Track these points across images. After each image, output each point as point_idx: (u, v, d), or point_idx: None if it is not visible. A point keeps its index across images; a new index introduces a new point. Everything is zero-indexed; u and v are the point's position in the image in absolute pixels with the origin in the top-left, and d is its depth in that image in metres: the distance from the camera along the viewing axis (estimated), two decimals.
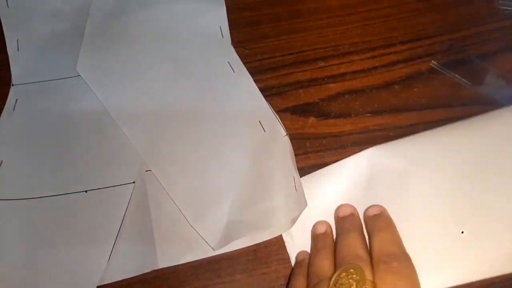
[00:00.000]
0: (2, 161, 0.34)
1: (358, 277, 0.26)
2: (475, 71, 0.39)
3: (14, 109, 0.36)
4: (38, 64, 0.38)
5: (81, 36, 0.38)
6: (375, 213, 0.32)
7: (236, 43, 0.40)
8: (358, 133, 0.37)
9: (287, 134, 0.36)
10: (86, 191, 0.34)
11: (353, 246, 0.30)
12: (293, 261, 0.33)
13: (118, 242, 0.32)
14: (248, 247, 0.33)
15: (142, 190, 0.34)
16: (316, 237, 0.33)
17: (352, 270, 0.27)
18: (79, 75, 0.37)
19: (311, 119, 0.38)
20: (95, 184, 0.34)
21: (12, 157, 0.34)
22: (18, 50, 0.38)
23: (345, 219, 0.32)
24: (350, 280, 0.26)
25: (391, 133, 0.37)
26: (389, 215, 0.32)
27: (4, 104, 0.36)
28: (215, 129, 0.36)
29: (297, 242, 0.33)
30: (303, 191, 0.34)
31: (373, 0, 0.42)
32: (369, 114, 0.38)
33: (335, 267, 0.29)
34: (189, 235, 0.33)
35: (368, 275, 0.27)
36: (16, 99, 0.37)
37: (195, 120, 0.36)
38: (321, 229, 0.33)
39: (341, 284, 0.26)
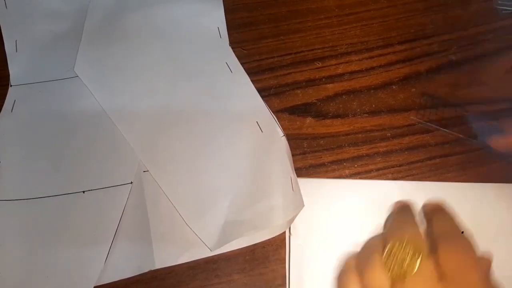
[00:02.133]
0: (0, 162, 0.34)
1: (414, 248, 0.25)
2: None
3: (12, 110, 0.36)
4: (36, 64, 0.38)
5: (79, 36, 0.39)
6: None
7: (234, 44, 0.40)
8: (356, 133, 0.37)
9: (284, 135, 0.36)
10: (83, 192, 0.34)
11: (410, 223, 0.28)
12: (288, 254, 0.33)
13: (116, 243, 0.32)
14: (245, 247, 0.34)
15: (140, 190, 0.34)
16: None
17: (407, 241, 0.25)
18: (77, 76, 0.37)
19: (309, 120, 0.38)
20: (93, 184, 0.34)
21: (10, 157, 0.34)
22: (16, 50, 0.38)
23: (403, 203, 0.32)
24: (406, 250, 0.25)
25: (388, 134, 0.37)
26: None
27: (2, 104, 0.37)
28: (213, 129, 0.36)
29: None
30: (300, 191, 0.34)
31: (372, 0, 0.42)
32: (366, 115, 0.38)
33: (387, 240, 0.27)
34: (186, 235, 0.33)
35: (425, 247, 0.26)
36: (14, 100, 0.37)
37: (192, 121, 0.36)
38: None
39: (394, 253, 0.25)
